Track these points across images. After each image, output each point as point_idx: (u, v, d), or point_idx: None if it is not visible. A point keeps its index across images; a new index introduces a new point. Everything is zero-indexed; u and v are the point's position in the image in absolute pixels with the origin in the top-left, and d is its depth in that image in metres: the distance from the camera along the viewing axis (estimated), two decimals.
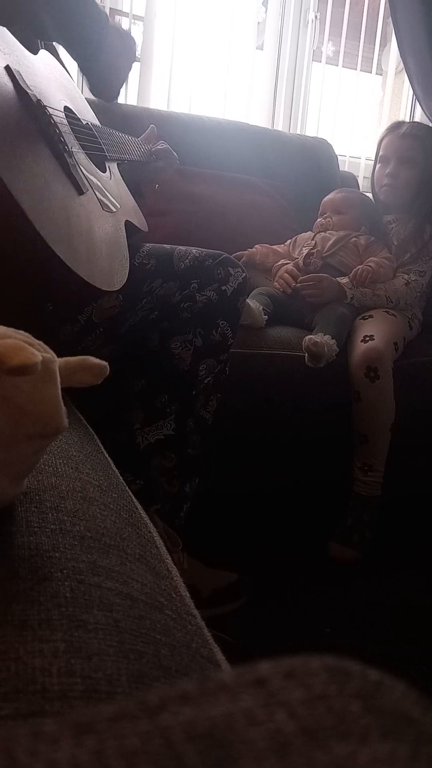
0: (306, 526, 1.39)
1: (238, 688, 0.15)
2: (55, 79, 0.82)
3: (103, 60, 0.82)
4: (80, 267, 0.60)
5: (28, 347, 0.29)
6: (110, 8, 2.12)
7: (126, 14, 2.16)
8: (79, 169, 0.74)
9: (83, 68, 0.84)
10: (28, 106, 0.63)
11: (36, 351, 0.29)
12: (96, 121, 0.98)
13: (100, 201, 0.80)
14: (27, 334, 0.32)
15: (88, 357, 0.35)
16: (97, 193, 0.80)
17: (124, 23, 2.18)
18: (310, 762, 0.13)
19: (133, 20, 2.16)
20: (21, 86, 0.63)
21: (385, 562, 1.30)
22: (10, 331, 0.31)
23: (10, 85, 0.62)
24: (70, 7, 0.70)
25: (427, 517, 1.46)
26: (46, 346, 0.32)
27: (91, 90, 0.92)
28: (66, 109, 0.82)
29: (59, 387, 0.32)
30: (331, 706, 0.14)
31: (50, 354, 0.32)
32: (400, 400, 1.31)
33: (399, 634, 1.09)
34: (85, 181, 0.75)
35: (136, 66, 2.16)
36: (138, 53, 0.97)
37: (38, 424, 0.31)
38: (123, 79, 0.93)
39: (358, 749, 0.13)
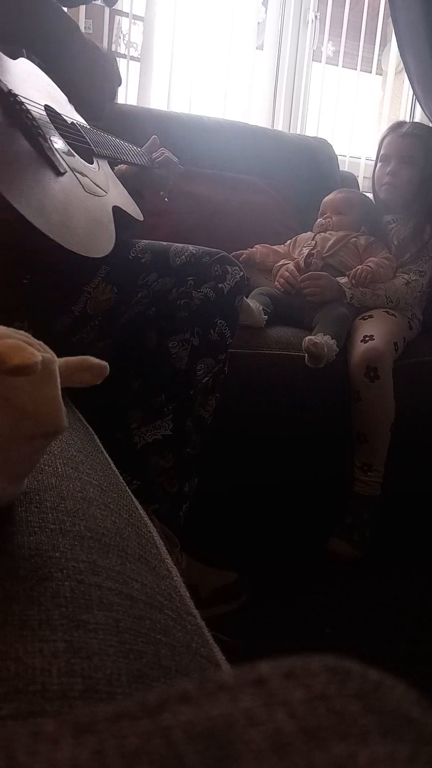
0: (306, 526, 1.39)
1: (238, 688, 0.15)
2: (34, 83, 0.83)
3: (68, 68, 0.80)
4: (53, 231, 0.61)
5: (28, 347, 0.29)
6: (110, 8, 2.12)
7: (126, 14, 2.16)
8: (55, 152, 0.75)
9: (49, 74, 0.82)
10: None
11: (36, 351, 0.29)
12: (86, 125, 0.98)
13: (82, 184, 0.80)
14: (27, 334, 0.32)
15: (88, 357, 0.35)
16: (78, 176, 0.80)
17: (124, 23, 2.18)
18: (310, 762, 0.13)
19: (133, 20, 2.16)
20: None
21: (385, 562, 1.30)
22: (10, 331, 0.31)
23: None
24: (32, 7, 0.69)
25: (427, 517, 1.46)
26: (45, 346, 0.32)
27: (75, 106, 0.90)
28: (47, 107, 0.82)
29: (59, 387, 0.32)
30: (331, 706, 0.14)
31: (50, 354, 0.32)
32: (400, 400, 1.31)
33: (399, 634, 1.09)
34: (63, 163, 0.76)
35: (135, 66, 2.17)
36: (120, 72, 0.92)
37: (38, 424, 0.31)
38: (99, 97, 0.90)
39: (358, 749, 0.13)
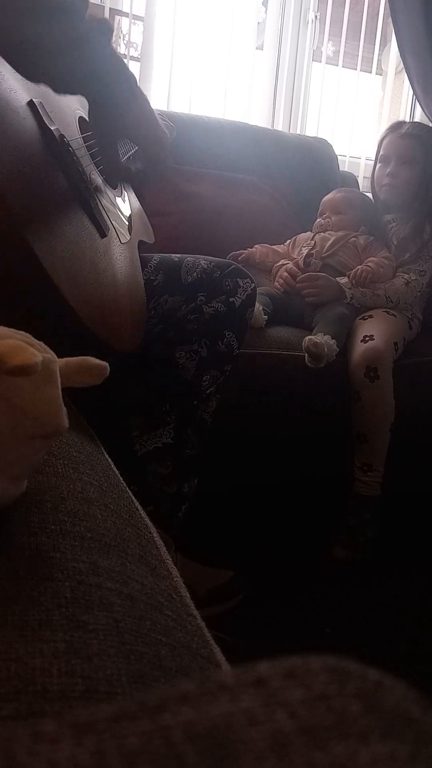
0: (306, 526, 1.39)
1: (238, 688, 0.15)
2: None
3: (130, 125, 0.75)
4: (111, 338, 0.60)
5: (29, 347, 0.29)
6: (110, 8, 2.12)
7: (126, 14, 2.16)
8: (100, 208, 0.73)
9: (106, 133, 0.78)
10: (52, 146, 0.62)
11: (36, 351, 0.29)
12: None
13: (117, 235, 0.79)
14: (27, 334, 0.32)
15: (89, 357, 0.35)
16: (114, 224, 0.79)
17: (124, 23, 2.18)
18: (310, 762, 0.13)
19: (133, 20, 2.16)
20: (45, 124, 0.61)
21: (385, 562, 1.30)
22: (10, 331, 0.31)
23: (35, 126, 0.60)
24: (98, 61, 0.64)
25: (427, 517, 1.46)
26: (46, 347, 0.32)
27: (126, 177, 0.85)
28: (80, 120, 0.81)
29: (60, 387, 0.32)
30: (331, 706, 0.14)
31: (50, 354, 0.32)
32: (400, 400, 1.31)
33: (399, 634, 1.09)
34: (106, 218, 0.74)
35: (136, 66, 2.17)
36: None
37: (38, 424, 0.31)
38: (159, 165, 0.84)
39: (358, 749, 0.13)
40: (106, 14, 2.11)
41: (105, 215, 0.74)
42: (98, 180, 0.79)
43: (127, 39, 2.19)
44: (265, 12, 2.37)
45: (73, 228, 0.61)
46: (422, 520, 1.46)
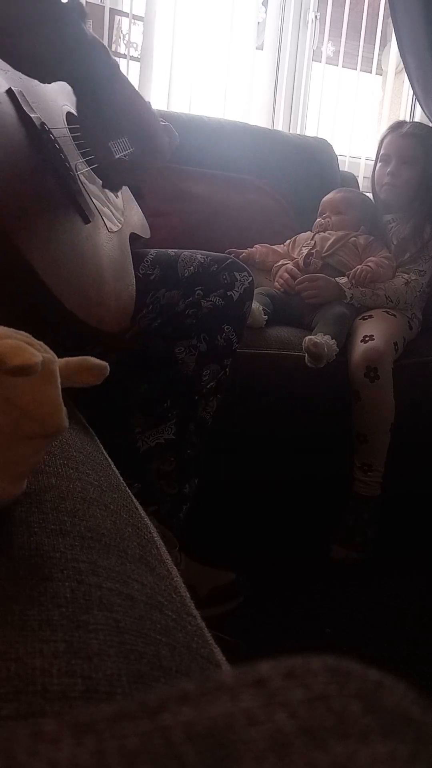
0: (306, 525, 1.39)
1: (238, 688, 0.15)
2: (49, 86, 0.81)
3: (113, 105, 0.75)
4: (91, 317, 0.60)
5: (29, 348, 0.29)
6: (110, 8, 2.12)
7: (126, 14, 2.16)
8: (84, 193, 0.72)
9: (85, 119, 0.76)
10: (32, 133, 0.62)
11: (36, 351, 0.29)
12: None
13: (105, 222, 0.79)
14: (27, 334, 0.32)
15: (89, 357, 0.35)
16: (101, 214, 0.79)
17: (124, 23, 2.18)
18: (310, 762, 0.13)
19: (133, 20, 2.16)
20: (24, 111, 0.61)
21: (385, 562, 1.30)
22: (10, 331, 0.31)
23: (13, 113, 0.60)
24: (78, 46, 0.65)
25: (427, 517, 1.46)
26: (46, 347, 0.32)
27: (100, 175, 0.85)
28: (68, 115, 0.81)
29: (60, 387, 0.32)
30: (331, 706, 0.14)
31: (50, 354, 0.32)
32: (400, 400, 1.31)
33: (399, 634, 1.09)
34: (91, 205, 0.74)
35: (135, 66, 2.17)
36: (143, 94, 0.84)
37: (38, 424, 0.31)
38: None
39: (358, 749, 0.13)
40: (106, 14, 2.11)
41: (91, 203, 0.74)
42: (86, 170, 0.79)
43: (127, 39, 2.19)
44: (265, 12, 2.37)
45: (52, 213, 0.61)
46: (422, 520, 1.46)
